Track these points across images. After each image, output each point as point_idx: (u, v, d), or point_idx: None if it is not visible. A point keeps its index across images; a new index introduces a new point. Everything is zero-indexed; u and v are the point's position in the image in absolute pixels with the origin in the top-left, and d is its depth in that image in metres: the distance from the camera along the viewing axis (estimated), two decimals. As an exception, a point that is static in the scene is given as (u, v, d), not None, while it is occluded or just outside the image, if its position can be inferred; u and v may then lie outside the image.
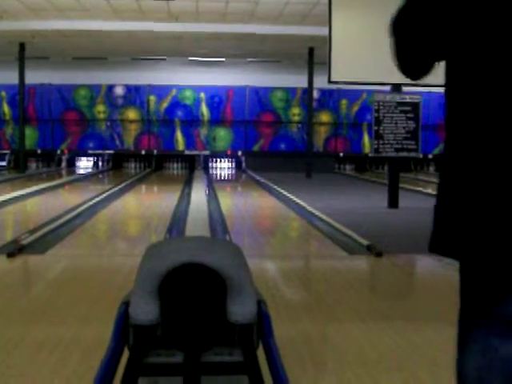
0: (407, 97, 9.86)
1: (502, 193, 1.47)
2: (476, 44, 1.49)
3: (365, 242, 6.20)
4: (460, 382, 1.65)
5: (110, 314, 2.25)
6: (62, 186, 14.07)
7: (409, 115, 9.79)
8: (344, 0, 9.31)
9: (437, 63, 1.61)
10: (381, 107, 9.69)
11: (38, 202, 10.63)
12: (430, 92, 17.59)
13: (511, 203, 1.46)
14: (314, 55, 16.26)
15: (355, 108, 19.76)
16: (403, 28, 1.58)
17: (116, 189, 12.41)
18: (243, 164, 19.59)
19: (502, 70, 1.46)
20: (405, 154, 9.79)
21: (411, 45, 1.58)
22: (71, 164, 19.96)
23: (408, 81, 1.72)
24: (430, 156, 20.15)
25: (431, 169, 20.77)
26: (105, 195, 10.88)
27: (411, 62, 1.61)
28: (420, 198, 11.46)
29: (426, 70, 1.61)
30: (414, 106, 9.82)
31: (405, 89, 10.00)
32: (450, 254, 1.58)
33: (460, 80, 1.54)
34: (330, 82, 9.33)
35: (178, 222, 8.01)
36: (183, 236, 6.47)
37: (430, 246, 1.62)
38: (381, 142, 9.69)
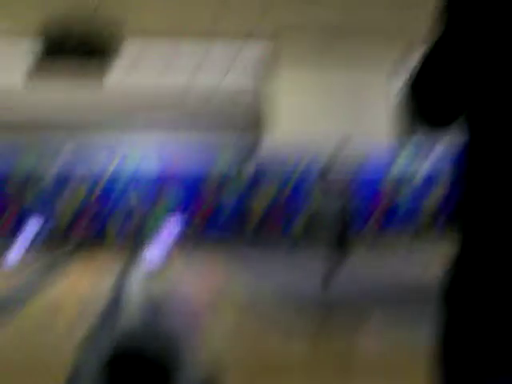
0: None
1: None
2: (500, 96, 1.50)
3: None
4: None
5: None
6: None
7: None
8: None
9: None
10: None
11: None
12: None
13: None
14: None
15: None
16: (424, 87, 1.59)
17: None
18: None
19: None
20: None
21: (434, 102, 1.59)
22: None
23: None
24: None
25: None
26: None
27: (435, 117, 1.60)
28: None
29: (449, 122, 1.61)
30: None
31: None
32: None
33: (484, 135, 1.53)
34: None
35: (112, 308, 7.73)
36: (118, 324, 6.23)
37: None
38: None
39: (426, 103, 1.59)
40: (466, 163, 1.57)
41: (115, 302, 8.16)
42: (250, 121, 16.87)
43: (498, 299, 1.45)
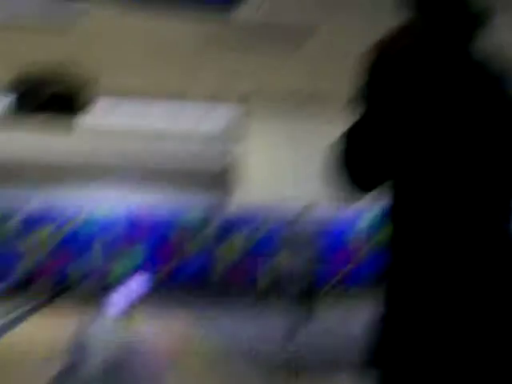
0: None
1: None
2: (425, 162, 1.58)
3: None
4: None
5: None
6: None
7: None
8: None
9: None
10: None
11: None
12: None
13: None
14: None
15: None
16: (353, 156, 1.65)
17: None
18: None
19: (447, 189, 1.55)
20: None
21: (361, 169, 1.65)
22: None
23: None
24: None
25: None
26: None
27: (362, 183, 1.67)
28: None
29: (376, 183, 1.66)
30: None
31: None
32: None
33: (409, 197, 1.60)
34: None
35: (75, 357, 7.59)
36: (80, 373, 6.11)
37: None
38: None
39: (355, 170, 1.65)
40: (392, 227, 1.64)
41: (78, 352, 8.02)
42: (219, 179, 17.04)
43: (426, 360, 1.51)
